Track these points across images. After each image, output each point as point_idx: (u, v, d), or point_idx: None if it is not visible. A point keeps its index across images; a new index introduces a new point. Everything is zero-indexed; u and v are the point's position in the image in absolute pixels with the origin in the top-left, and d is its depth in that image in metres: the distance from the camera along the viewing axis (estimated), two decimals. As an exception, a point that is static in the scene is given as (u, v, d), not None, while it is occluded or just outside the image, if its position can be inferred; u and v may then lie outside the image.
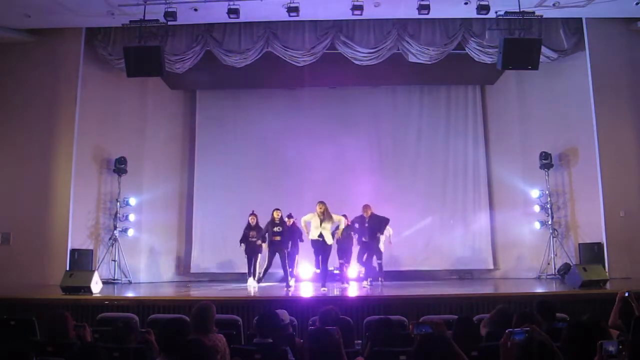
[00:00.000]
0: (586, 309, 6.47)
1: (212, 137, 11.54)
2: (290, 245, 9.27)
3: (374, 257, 9.33)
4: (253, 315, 6.38)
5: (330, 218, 8.59)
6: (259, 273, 9.32)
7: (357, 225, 9.07)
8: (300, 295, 8.00)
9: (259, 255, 9.38)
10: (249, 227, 9.36)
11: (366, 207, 9.07)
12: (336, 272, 9.64)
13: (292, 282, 8.94)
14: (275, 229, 8.99)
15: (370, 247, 9.08)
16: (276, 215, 9.04)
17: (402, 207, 10.68)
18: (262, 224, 9.29)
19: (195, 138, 11.58)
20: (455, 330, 4.08)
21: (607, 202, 9.55)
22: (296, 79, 10.87)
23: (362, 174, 11.02)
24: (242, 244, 9.29)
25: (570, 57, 10.08)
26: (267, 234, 9.11)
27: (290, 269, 9.06)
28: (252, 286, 9.11)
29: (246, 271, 9.51)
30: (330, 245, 8.75)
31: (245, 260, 9.46)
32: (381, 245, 9.52)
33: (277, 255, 8.97)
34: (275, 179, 11.17)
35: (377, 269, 9.48)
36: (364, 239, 9.01)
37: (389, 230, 9.57)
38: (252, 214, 9.45)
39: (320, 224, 8.50)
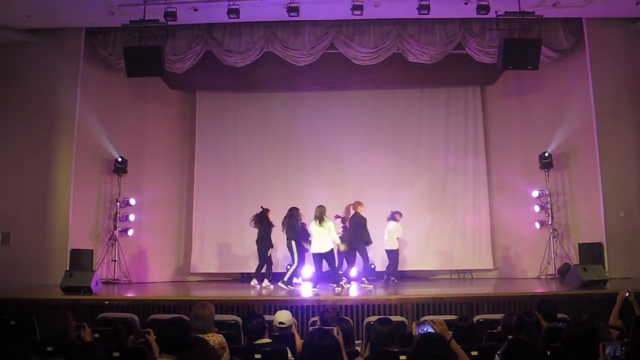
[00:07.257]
0: (586, 309, 6.47)
1: (212, 137, 11.51)
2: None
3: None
4: (253, 316, 6.40)
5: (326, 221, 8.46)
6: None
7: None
8: (301, 296, 8.00)
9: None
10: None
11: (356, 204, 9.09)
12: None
13: (299, 280, 9.08)
14: None
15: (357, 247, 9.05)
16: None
17: (402, 207, 10.63)
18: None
19: (195, 138, 11.54)
20: (456, 330, 4.09)
21: (607, 202, 9.54)
22: (296, 79, 10.89)
23: (362, 174, 11.00)
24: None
25: (570, 57, 10.08)
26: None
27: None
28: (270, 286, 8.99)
29: (246, 271, 9.42)
30: (331, 250, 8.42)
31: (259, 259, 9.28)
32: (394, 245, 9.57)
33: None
34: (275, 179, 11.15)
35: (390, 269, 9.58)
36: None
37: (398, 230, 9.62)
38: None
39: (319, 225, 8.40)
